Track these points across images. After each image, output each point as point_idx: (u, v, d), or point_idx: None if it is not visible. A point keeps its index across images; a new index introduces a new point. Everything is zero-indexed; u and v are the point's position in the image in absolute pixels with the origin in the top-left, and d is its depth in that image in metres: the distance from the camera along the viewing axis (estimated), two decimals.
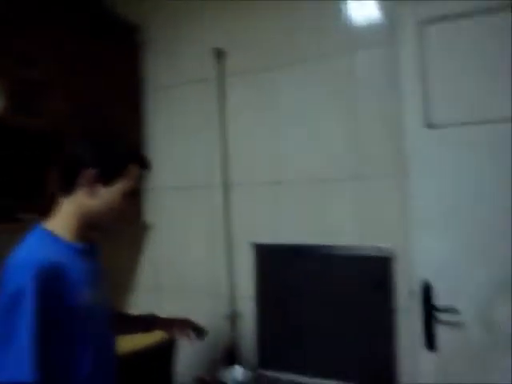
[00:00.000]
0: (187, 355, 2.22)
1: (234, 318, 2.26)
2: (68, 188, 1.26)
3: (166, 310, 1.74)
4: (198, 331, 1.61)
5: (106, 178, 1.24)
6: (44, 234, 1.23)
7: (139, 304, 2.49)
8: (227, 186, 2.30)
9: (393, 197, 1.91)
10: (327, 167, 2.07)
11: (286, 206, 2.16)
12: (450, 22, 1.72)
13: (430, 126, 1.75)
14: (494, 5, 1.65)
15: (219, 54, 2.29)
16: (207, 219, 2.36)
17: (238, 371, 2.03)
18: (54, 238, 1.22)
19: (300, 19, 2.11)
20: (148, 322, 1.59)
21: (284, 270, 2.14)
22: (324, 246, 2.05)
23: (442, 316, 1.69)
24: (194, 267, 2.39)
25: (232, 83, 2.28)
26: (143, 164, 1.34)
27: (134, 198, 1.32)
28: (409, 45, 1.78)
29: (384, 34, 1.92)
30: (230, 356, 2.20)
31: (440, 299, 1.69)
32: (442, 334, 1.69)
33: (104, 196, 1.25)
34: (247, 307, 2.23)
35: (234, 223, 2.29)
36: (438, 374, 1.71)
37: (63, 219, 1.26)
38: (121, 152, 1.30)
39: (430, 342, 1.69)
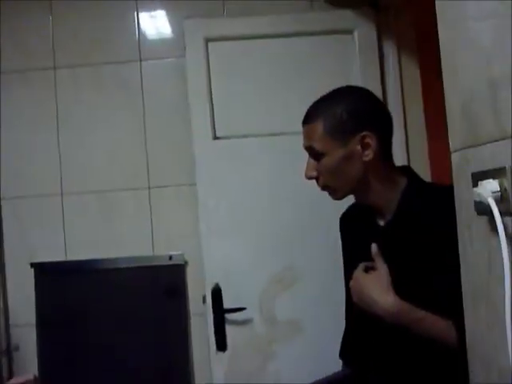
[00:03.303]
0: None
1: (11, 351, 1.98)
2: None
3: None
4: None
5: None
6: None
7: None
8: None
9: (185, 205, 1.95)
10: (115, 177, 2.00)
11: (71, 221, 2.01)
12: (234, 43, 1.86)
13: (216, 137, 1.86)
14: (269, 31, 1.86)
15: None
16: None
17: None
18: None
19: (84, 23, 2.02)
20: None
21: (70, 289, 1.97)
22: (113, 260, 1.96)
23: (231, 316, 1.79)
24: None
25: (7, 81, 2.04)
26: None
27: None
28: (195, 61, 1.86)
29: (175, 47, 1.97)
30: None
31: (229, 301, 1.78)
32: (232, 333, 1.79)
33: None
34: (29, 336, 1.98)
35: (8, 242, 2.02)
36: (229, 372, 1.79)
37: None
38: None
39: (221, 343, 1.77)
